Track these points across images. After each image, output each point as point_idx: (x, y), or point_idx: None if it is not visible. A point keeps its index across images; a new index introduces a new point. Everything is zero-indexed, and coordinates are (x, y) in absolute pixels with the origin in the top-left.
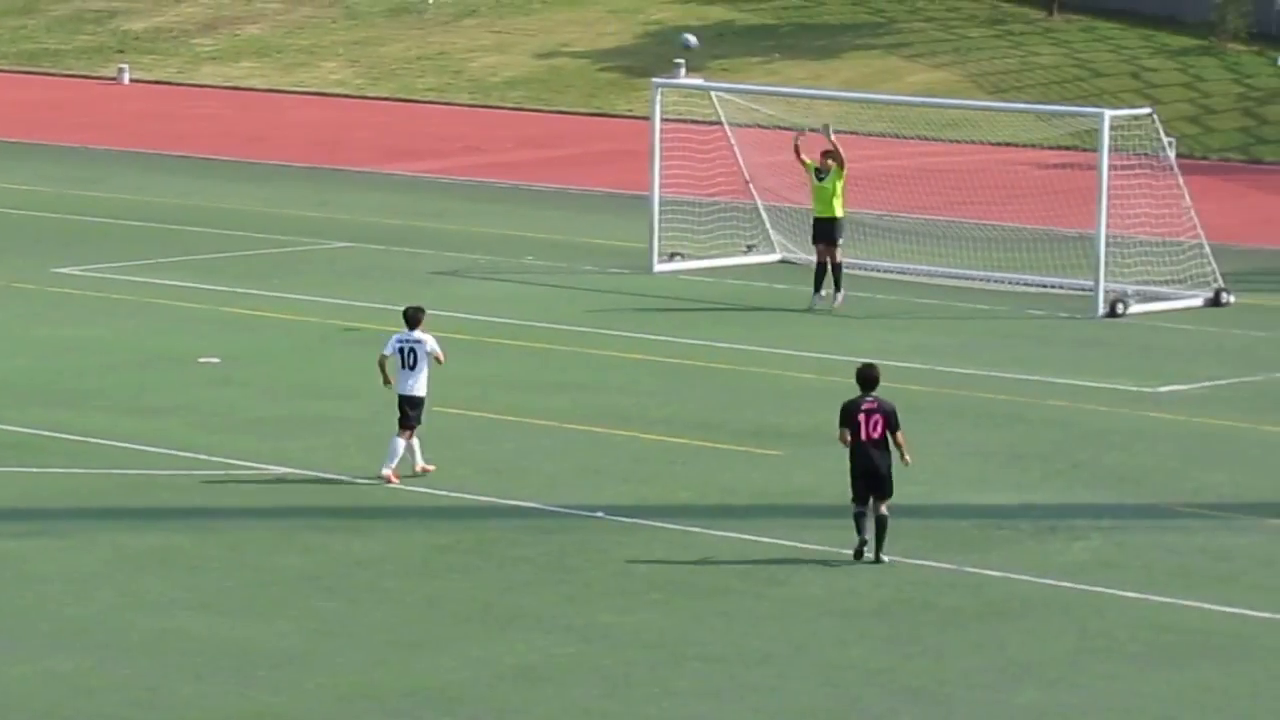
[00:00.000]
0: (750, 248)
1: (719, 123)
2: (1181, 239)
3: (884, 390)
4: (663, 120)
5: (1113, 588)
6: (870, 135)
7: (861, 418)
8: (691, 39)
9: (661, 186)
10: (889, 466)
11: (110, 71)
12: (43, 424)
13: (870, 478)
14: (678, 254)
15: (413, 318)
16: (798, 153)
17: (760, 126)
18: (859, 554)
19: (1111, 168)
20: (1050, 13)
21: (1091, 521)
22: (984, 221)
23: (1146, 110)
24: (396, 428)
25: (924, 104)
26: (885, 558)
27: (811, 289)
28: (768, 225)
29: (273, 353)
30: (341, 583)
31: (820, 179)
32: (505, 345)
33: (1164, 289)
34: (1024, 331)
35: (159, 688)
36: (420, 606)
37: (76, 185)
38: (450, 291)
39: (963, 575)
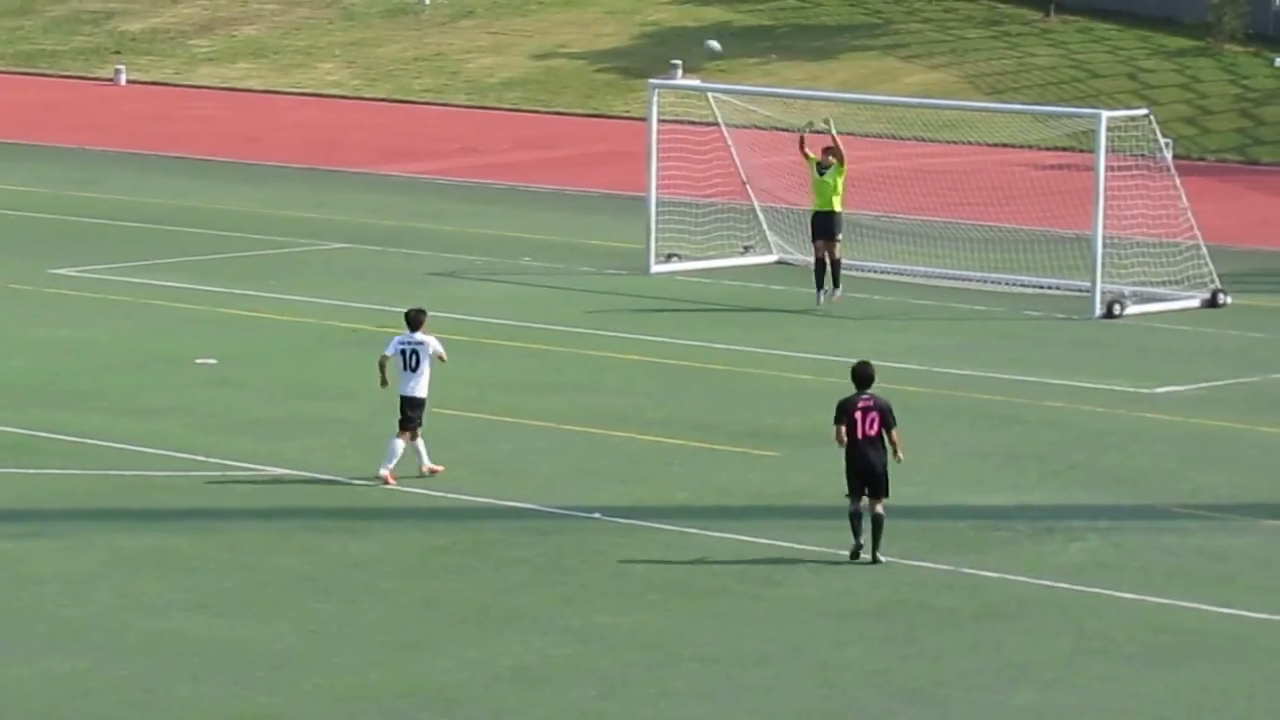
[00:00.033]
0: (747, 249)
1: (716, 124)
2: (1178, 240)
3: (880, 391)
4: (660, 121)
5: (1109, 589)
6: (867, 136)
7: (858, 415)
8: (715, 45)
9: (658, 187)
10: (885, 464)
11: (107, 72)
12: (40, 425)
13: (867, 475)
14: (675, 255)
15: (414, 320)
16: (802, 145)
17: (757, 127)
18: (854, 555)
19: (1108, 169)
20: (1047, 14)
21: (1088, 522)
22: (981, 222)
23: (1143, 111)
24: (396, 429)
25: (921, 105)
26: (882, 558)
27: (814, 288)
28: (765, 226)
29: (269, 354)
30: (338, 584)
31: (821, 174)
32: (502, 346)
33: (1161, 290)
34: (1021, 332)
35: (156, 689)
36: (417, 607)
37: (73, 186)
38: (447, 292)
39: (959, 576)
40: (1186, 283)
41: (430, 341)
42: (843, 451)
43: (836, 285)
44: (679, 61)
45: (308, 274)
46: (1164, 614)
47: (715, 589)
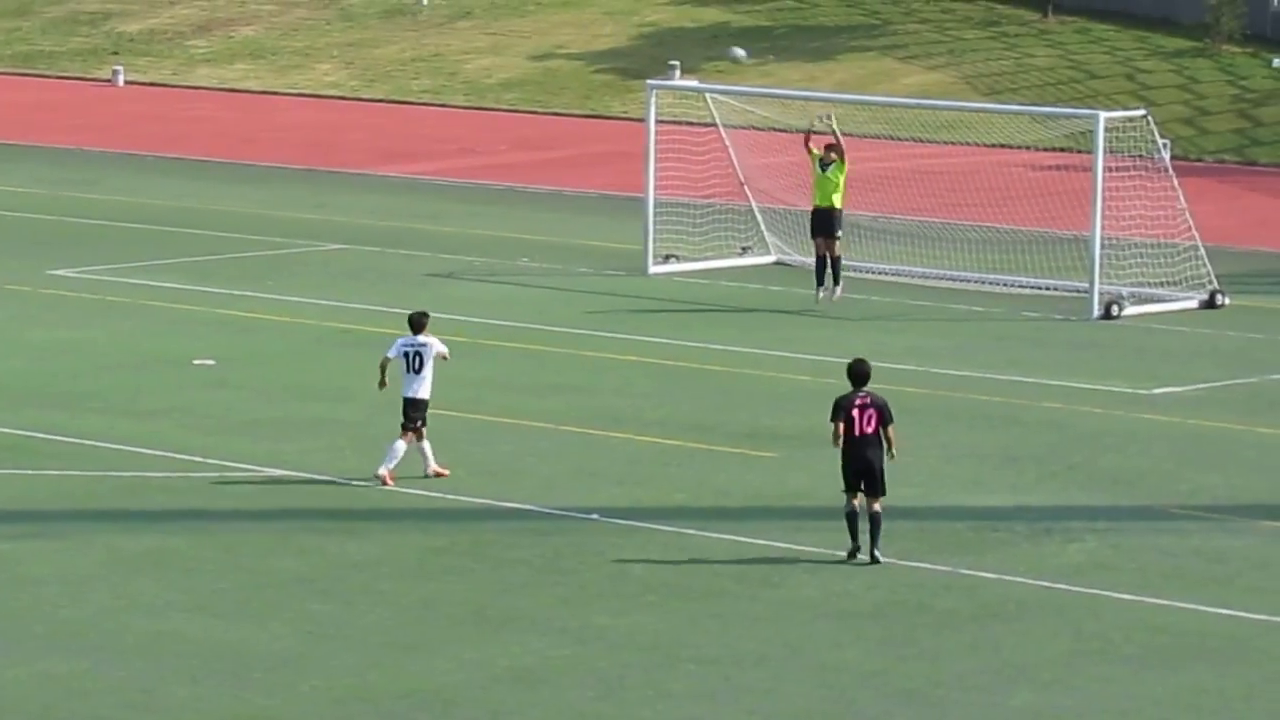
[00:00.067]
0: (745, 249)
1: (714, 124)
2: (1177, 241)
3: (878, 392)
4: (658, 122)
5: (1108, 590)
6: (865, 137)
7: (856, 412)
8: (740, 52)
9: (656, 188)
10: (882, 462)
11: (105, 73)
12: (38, 426)
13: (864, 473)
14: (673, 256)
15: (417, 322)
16: (807, 141)
17: (755, 128)
18: (851, 556)
19: (1107, 169)
20: (1045, 14)
21: (1086, 523)
22: (979, 223)
23: (1141, 112)
24: (399, 430)
25: (919, 106)
26: (881, 557)
27: (814, 285)
28: (763, 227)
29: (268, 355)
30: (336, 585)
31: (824, 169)
32: (500, 347)
33: (1159, 291)
34: (1019, 333)
35: (154, 690)
36: (415, 609)
37: (71, 187)
38: (445, 293)
39: (958, 577)
40: (1185, 284)
41: (433, 343)
42: (839, 451)
43: (837, 282)
44: (677, 62)
45: (306, 275)
46: (1162, 615)
47: (713, 590)
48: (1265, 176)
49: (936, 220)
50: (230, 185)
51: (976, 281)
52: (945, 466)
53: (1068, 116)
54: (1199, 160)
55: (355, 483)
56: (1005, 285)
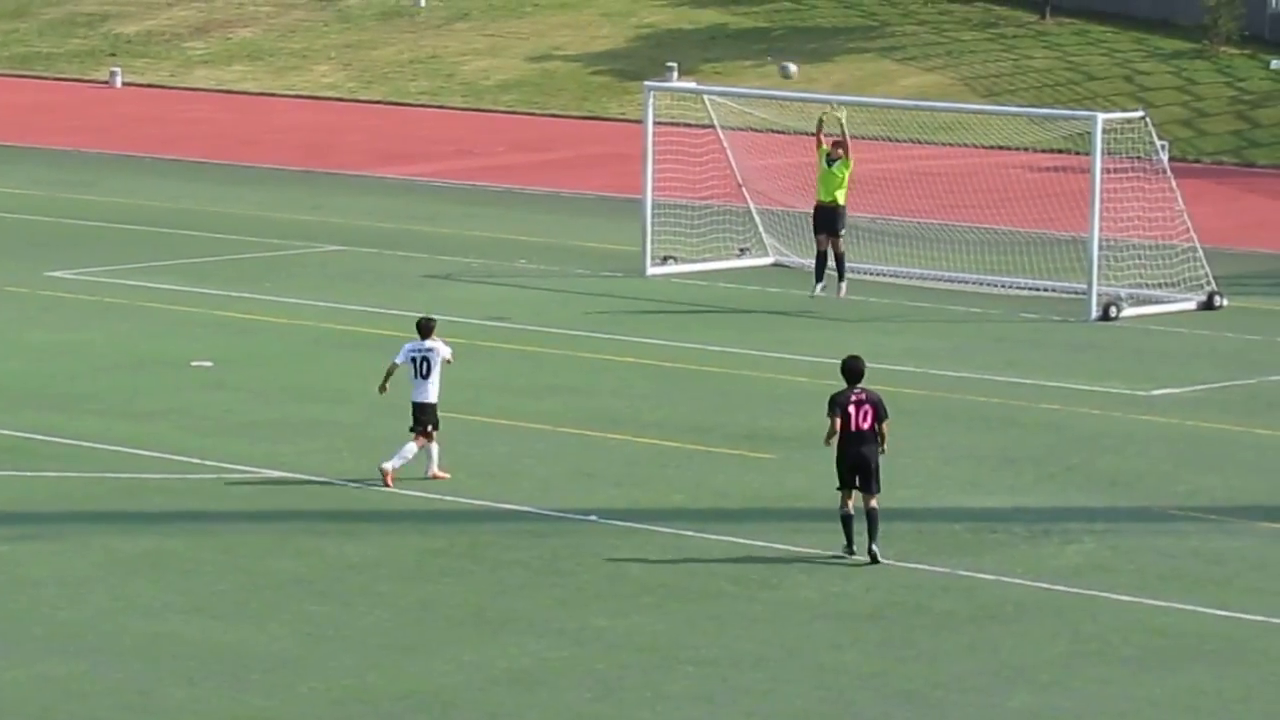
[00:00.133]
0: (743, 251)
1: (712, 126)
2: (1175, 242)
3: (875, 392)
4: (655, 123)
5: (1106, 591)
6: (863, 139)
7: (852, 408)
8: (791, 67)
9: (654, 190)
10: (877, 458)
11: (102, 75)
12: (35, 427)
13: (859, 469)
14: (671, 257)
15: (425, 327)
16: (819, 130)
17: (753, 130)
18: (846, 553)
19: (1105, 171)
20: (1043, 16)
21: (1085, 525)
22: (977, 225)
23: (1139, 113)
24: (410, 434)
25: (917, 107)
26: (879, 554)
27: (813, 281)
28: (761, 228)
29: (265, 356)
30: (334, 586)
31: (830, 165)
32: (498, 349)
33: (1157, 292)
34: (1017, 335)
35: (152, 691)
36: (413, 610)
37: (69, 188)
38: (443, 295)
39: (956, 578)
40: (1183, 285)
41: (439, 347)
42: (833, 447)
43: (841, 280)
44: (674, 64)
45: (303, 276)
46: (1160, 616)
47: (711, 591)
48: (1263, 178)
49: (934, 222)
50: (228, 187)
51: (975, 283)
52: (943, 468)
53: (1066, 118)
54: (1197, 161)
55: (353, 484)
56: (1003, 286)
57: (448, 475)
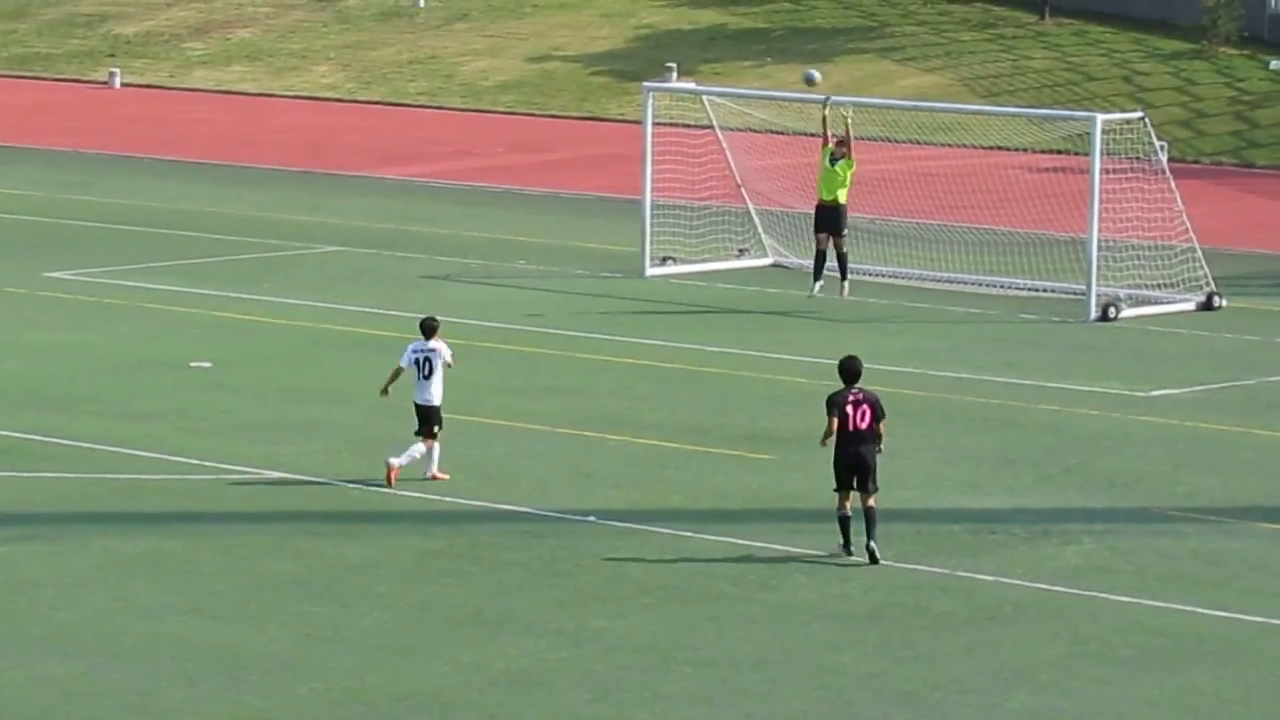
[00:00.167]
0: (742, 251)
1: (711, 126)
2: (1174, 243)
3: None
4: (654, 124)
5: (1105, 592)
6: (862, 139)
7: (850, 408)
8: (816, 75)
9: (653, 190)
10: (875, 458)
11: (101, 75)
12: (34, 428)
13: (857, 468)
14: (670, 258)
15: (428, 328)
16: (825, 122)
17: (752, 130)
18: (843, 552)
19: (1104, 171)
20: (1042, 16)
21: (1084, 525)
22: (976, 225)
23: (1138, 114)
24: (414, 435)
25: (916, 108)
26: (878, 553)
27: (811, 280)
28: (760, 229)
29: (264, 357)
30: (333, 587)
31: (833, 163)
32: (497, 349)
33: (1156, 293)
34: (1016, 335)
35: (150, 692)
36: (412, 611)
37: (68, 189)
38: (442, 296)
39: (955, 579)
40: (1182, 285)
41: (441, 348)
42: (830, 446)
43: (844, 279)
44: (674, 64)
45: (302, 277)
46: (1159, 617)
47: (710, 592)
48: (1262, 178)
49: (933, 222)
50: (227, 187)
51: (974, 283)
52: (942, 468)
53: (1065, 118)
54: (1196, 162)
55: (352, 485)
56: (1002, 287)
57: (447, 476)
